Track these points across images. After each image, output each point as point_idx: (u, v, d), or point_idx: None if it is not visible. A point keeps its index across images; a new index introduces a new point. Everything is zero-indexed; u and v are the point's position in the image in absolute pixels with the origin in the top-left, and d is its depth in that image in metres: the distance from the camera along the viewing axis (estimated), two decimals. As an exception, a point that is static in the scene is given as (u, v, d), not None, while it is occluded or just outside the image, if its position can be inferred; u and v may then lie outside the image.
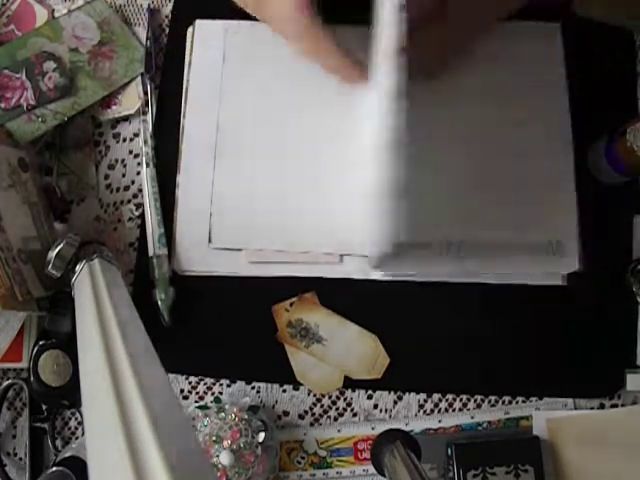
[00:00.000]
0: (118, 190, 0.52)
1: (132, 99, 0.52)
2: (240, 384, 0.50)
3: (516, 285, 0.49)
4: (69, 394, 0.47)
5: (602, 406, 0.49)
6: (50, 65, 0.50)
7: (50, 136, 0.52)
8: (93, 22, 0.52)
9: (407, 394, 0.49)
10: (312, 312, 0.49)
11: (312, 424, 0.49)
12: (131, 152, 0.53)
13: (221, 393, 0.50)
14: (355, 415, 0.49)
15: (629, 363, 0.48)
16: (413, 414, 0.49)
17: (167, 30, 0.54)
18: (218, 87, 0.51)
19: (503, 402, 0.49)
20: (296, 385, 0.49)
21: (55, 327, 0.47)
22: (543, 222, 0.48)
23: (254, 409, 0.47)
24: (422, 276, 0.48)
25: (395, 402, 0.49)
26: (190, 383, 0.50)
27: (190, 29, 0.53)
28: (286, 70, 0.51)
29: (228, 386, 0.50)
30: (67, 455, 0.47)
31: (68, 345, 0.46)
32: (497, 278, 0.48)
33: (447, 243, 0.48)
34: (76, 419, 0.50)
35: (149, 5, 0.54)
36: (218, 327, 0.49)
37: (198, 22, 0.52)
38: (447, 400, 0.49)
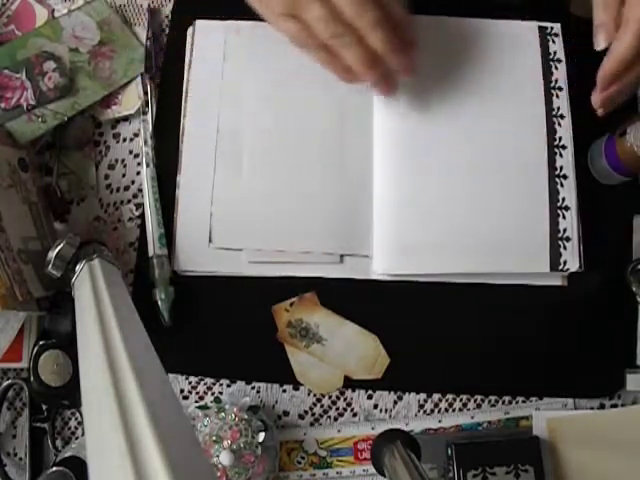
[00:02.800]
0: (118, 190, 0.52)
1: (132, 99, 0.52)
2: (240, 384, 0.50)
3: (516, 285, 0.49)
4: (69, 394, 0.47)
5: (602, 406, 0.49)
6: (50, 65, 0.50)
7: (50, 136, 0.52)
8: (93, 22, 0.52)
9: (407, 394, 0.49)
10: (312, 312, 0.49)
11: (312, 424, 0.49)
12: (131, 152, 0.53)
13: (221, 393, 0.50)
14: (355, 415, 0.49)
15: (629, 363, 0.48)
16: (413, 414, 0.49)
17: (167, 30, 0.54)
18: (218, 87, 0.51)
19: (503, 402, 0.49)
20: (296, 385, 0.49)
21: (55, 327, 0.47)
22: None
23: (254, 409, 0.47)
24: (422, 276, 0.48)
25: (395, 402, 0.49)
26: (190, 383, 0.50)
27: (190, 29, 0.53)
28: (286, 71, 0.51)
29: (228, 386, 0.50)
30: (67, 455, 0.47)
31: (68, 345, 0.46)
32: (497, 278, 0.49)
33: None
34: (76, 419, 0.50)
35: (149, 5, 0.54)
36: (218, 327, 0.49)
37: (198, 22, 0.52)
38: (447, 400, 0.49)
